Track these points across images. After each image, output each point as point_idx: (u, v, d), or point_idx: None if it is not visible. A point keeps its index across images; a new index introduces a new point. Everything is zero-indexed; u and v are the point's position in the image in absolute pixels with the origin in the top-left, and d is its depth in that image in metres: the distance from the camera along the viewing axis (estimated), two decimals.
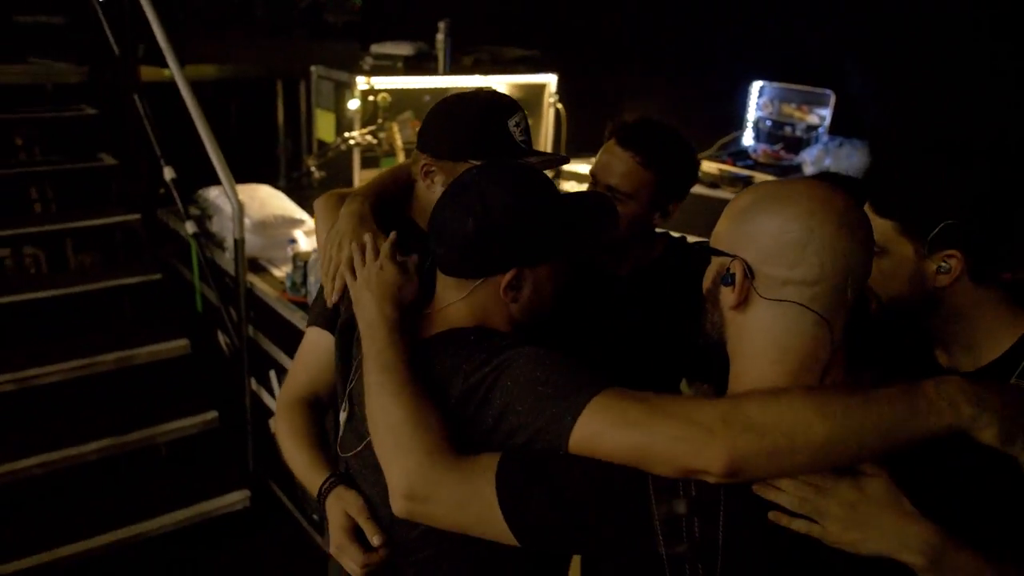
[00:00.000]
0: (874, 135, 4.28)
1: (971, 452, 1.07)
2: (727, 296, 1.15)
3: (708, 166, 4.49)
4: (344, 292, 1.56)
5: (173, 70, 3.39)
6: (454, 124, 1.59)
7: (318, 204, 1.80)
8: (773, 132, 4.71)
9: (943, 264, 1.38)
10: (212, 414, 3.55)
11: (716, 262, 1.18)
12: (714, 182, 4.47)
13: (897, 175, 1.49)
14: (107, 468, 3.33)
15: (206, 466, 3.54)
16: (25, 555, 2.95)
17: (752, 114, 4.77)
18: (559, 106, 4.75)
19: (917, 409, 1.04)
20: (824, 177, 1.97)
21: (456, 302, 1.36)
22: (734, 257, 1.14)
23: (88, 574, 3.08)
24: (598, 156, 1.89)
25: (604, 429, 1.11)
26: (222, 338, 3.62)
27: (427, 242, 1.41)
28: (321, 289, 1.76)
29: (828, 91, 4.44)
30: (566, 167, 4.87)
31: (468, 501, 1.16)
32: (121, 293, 3.75)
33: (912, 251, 1.41)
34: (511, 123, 1.56)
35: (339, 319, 1.62)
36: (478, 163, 1.49)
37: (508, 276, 1.32)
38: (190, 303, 3.78)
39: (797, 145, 4.58)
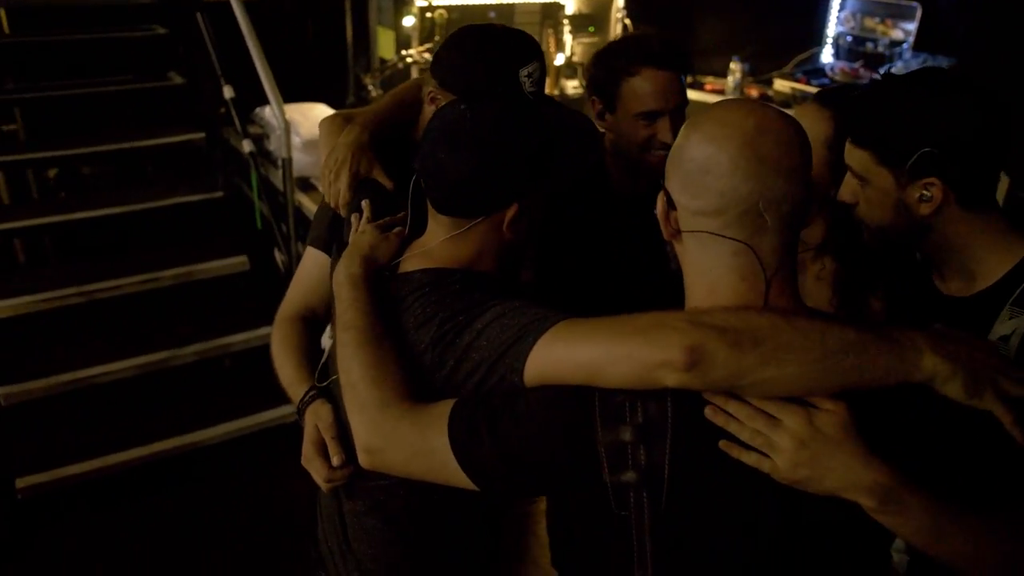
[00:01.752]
0: (963, 52, 3.97)
1: (934, 404, 1.03)
2: (662, 226, 1.13)
3: (781, 84, 4.29)
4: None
5: None
6: (466, 62, 1.54)
7: (322, 126, 1.79)
8: (854, 48, 4.44)
9: (924, 193, 1.36)
10: (268, 329, 3.63)
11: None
12: (786, 101, 4.26)
13: (871, 105, 1.43)
14: (172, 379, 3.49)
15: (264, 378, 3.65)
16: (94, 456, 3.15)
17: (832, 29, 4.48)
18: (627, 21, 4.58)
19: (881, 349, 1.01)
20: (834, 91, 1.80)
21: (450, 238, 1.34)
22: (663, 188, 1.12)
23: (151, 477, 3.27)
24: (637, 89, 1.83)
25: (566, 341, 1.09)
26: (279, 256, 3.71)
27: None
28: (320, 208, 1.78)
29: (915, 3, 4.12)
30: None
31: (424, 450, 1.15)
32: (185, 210, 3.86)
33: (892, 180, 1.38)
34: (523, 73, 1.51)
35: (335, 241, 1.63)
36: None
37: (511, 212, 1.31)
38: (250, 221, 3.87)
39: (879, 62, 4.32)
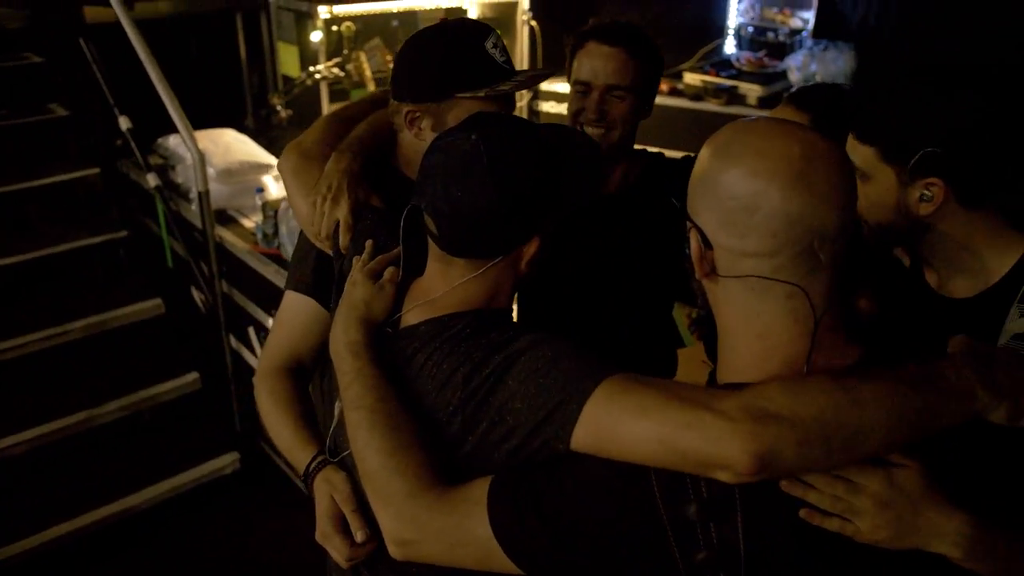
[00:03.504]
0: (860, 38, 4.08)
1: (984, 431, 0.99)
2: (696, 265, 1.03)
3: (690, 77, 4.29)
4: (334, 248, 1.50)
5: (116, 9, 3.12)
6: (428, 61, 1.47)
7: (283, 164, 1.68)
8: (756, 38, 4.53)
9: (925, 192, 1.34)
10: (193, 376, 3.40)
11: (687, 226, 1.05)
12: (697, 94, 4.28)
13: (878, 101, 1.41)
14: (90, 440, 3.19)
15: (192, 430, 3.41)
16: (10, 541, 2.83)
17: (733, 20, 4.54)
18: (533, 23, 4.51)
19: (941, 397, 0.96)
20: (801, 94, 1.87)
21: (464, 283, 1.22)
22: (693, 225, 1.02)
23: (80, 553, 2.97)
24: (579, 62, 1.83)
25: (614, 416, 0.99)
26: (197, 295, 3.45)
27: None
28: (298, 249, 1.67)
29: None
30: (544, 86, 4.68)
31: (465, 541, 1.05)
32: (87, 253, 3.56)
33: (895, 178, 1.36)
34: (488, 45, 1.45)
35: (333, 283, 1.51)
36: (466, 95, 1.42)
37: (533, 246, 1.21)
38: (160, 260, 3.59)
39: (781, 51, 4.41)
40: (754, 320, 1.01)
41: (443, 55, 1.45)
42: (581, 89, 1.81)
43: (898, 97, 1.39)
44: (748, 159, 0.96)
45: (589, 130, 1.79)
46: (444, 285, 1.23)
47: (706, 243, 1.00)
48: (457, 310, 1.22)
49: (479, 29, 1.48)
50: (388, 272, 1.31)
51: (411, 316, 1.26)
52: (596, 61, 1.79)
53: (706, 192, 1.00)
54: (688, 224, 1.03)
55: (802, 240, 0.95)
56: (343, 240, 1.48)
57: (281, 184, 3.34)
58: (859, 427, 0.92)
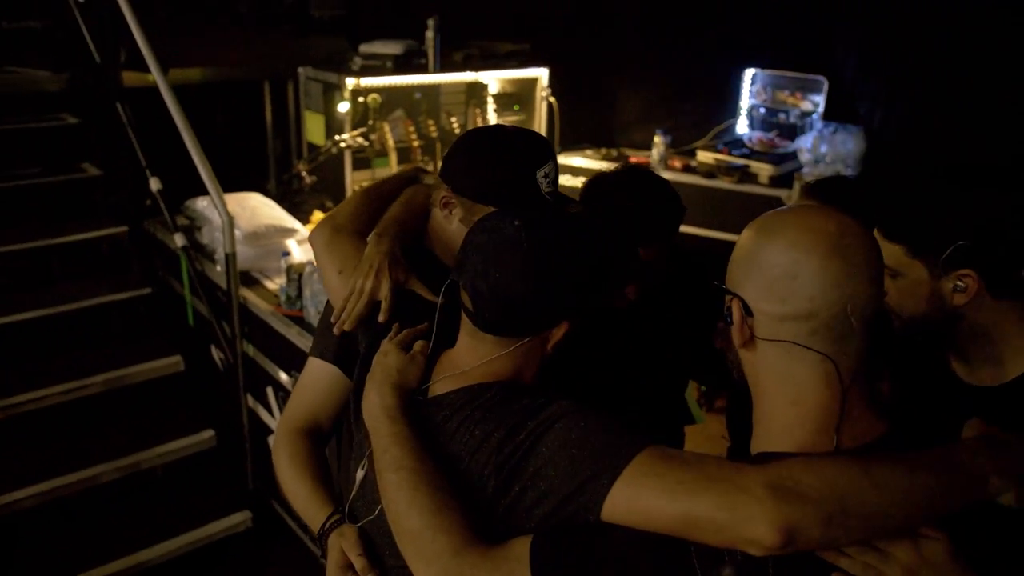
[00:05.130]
0: (868, 120, 4.22)
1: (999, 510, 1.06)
2: (734, 335, 1.11)
3: (704, 156, 4.41)
4: (359, 323, 1.54)
5: (155, 76, 3.25)
6: (481, 165, 1.51)
7: (315, 237, 1.72)
8: (767, 119, 4.63)
9: (959, 283, 1.41)
10: (209, 433, 3.43)
11: (728, 299, 1.14)
12: (710, 172, 4.38)
13: (903, 200, 1.50)
14: (103, 494, 3.21)
15: (205, 487, 3.43)
16: None
17: (745, 101, 4.68)
18: (551, 99, 4.65)
19: (957, 482, 1.02)
20: (821, 185, 1.97)
21: (493, 359, 1.29)
22: (733, 296, 1.11)
23: None
24: None
25: (643, 495, 1.04)
26: (216, 354, 3.50)
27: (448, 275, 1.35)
28: (324, 318, 1.72)
29: (821, 77, 4.36)
30: (561, 160, 4.80)
31: None
32: (110, 309, 3.62)
33: (926, 272, 1.43)
34: (540, 174, 1.49)
35: (358, 355, 1.55)
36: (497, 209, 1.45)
37: (561, 331, 1.28)
38: (181, 318, 3.66)
39: (792, 132, 4.52)
40: (789, 386, 1.08)
41: (495, 167, 1.50)
42: None
43: (923, 195, 1.48)
44: (789, 233, 1.07)
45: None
46: (474, 359, 1.30)
47: (747, 311, 1.09)
48: (486, 381, 1.28)
49: (537, 155, 1.50)
50: (418, 344, 1.38)
51: (440, 386, 1.32)
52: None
53: (750, 264, 1.10)
54: (728, 297, 1.11)
55: (837, 304, 1.04)
56: (382, 317, 1.51)
57: (305, 248, 3.45)
58: (878, 508, 0.97)
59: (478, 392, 1.26)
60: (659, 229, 1.72)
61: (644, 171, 1.84)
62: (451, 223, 1.54)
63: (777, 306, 1.06)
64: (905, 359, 1.62)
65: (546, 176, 1.50)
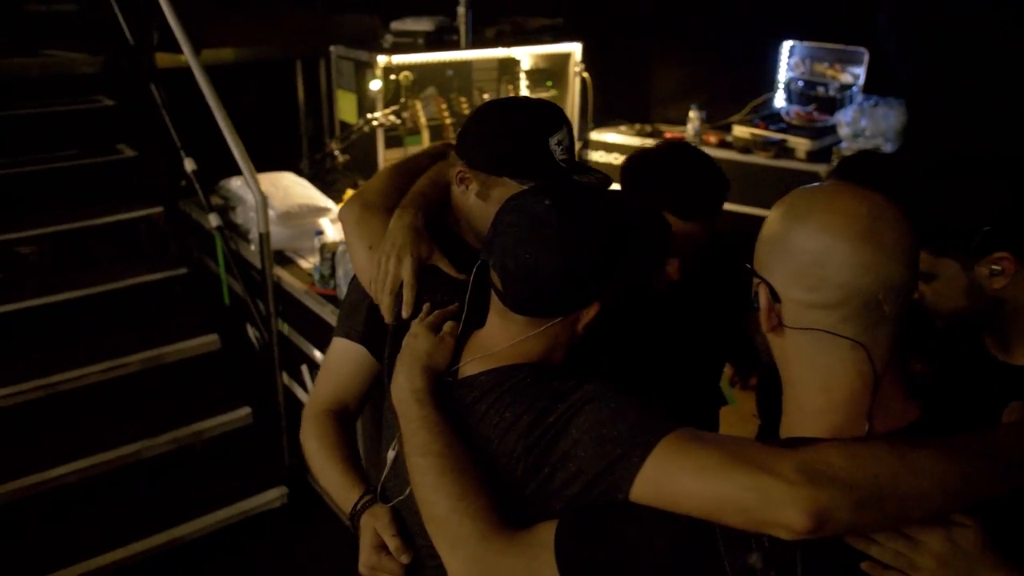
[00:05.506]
0: (910, 93, 4.12)
1: None
2: (762, 320, 1.09)
3: (740, 131, 4.34)
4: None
5: (188, 57, 3.26)
6: (493, 136, 1.51)
7: (345, 214, 1.71)
8: (805, 92, 4.54)
9: (995, 267, 1.39)
10: (246, 410, 3.47)
11: (755, 282, 1.10)
12: (746, 147, 4.32)
13: (913, 207, 1.45)
14: (142, 471, 3.27)
15: (242, 464, 3.47)
16: (62, 566, 2.89)
17: (783, 75, 4.60)
18: (585, 75, 4.61)
19: (993, 469, 1.00)
20: (852, 162, 1.92)
21: (523, 340, 1.28)
22: (761, 280, 1.07)
23: None
24: None
25: (674, 473, 1.03)
26: (252, 332, 3.54)
27: (474, 255, 1.35)
28: (351, 297, 1.71)
29: (861, 49, 4.27)
30: (593, 136, 4.76)
31: None
32: (147, 289, 3.66)
33: (957, 267, 1.42)
34: (552, 141, 1.47)
35: (384, 334, 1.54)
36: (514, 180, 1.45)
37: (592, 311, 1.27)
38: (217, 297, 3.69)
39: (831, 105, 4.43)
40: (819, 373, 1.05)
41: (506, 137, 1.49)
42: None
43: (931, 195, 1.45)
44: (818, 216, 1.03)
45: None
46: (504, 340, 1.29)
47: (775, 296, 1.06)
48: (515, 362, 1.27)
49: (549, 122, 1.49)
50: (448, 326, 1.37)
51: (470, 367, 1.31)
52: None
53: (777, 248, 1.06)
54: (756, 280, 1.08)
55: (869, 291, 1.00)
56: (406, 296, 1.49)
57: (338, 227, 3.45)
58: (912, 494, 0.95)
59: (508, 374, 1.25)
60: (701, 205, 1.68)
61: (685, 145, 1.80)
62: (468, 198, 1.52)
63: (806, 294, 1.03)
64: (940, 341, 1.59)
65: (559, 143, 1.48)
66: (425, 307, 1.44)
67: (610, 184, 1.63)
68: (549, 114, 1.51)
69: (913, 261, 1.04)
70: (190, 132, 3.61)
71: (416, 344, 1.34)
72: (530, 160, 1.46)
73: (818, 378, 1.06)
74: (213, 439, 3.43)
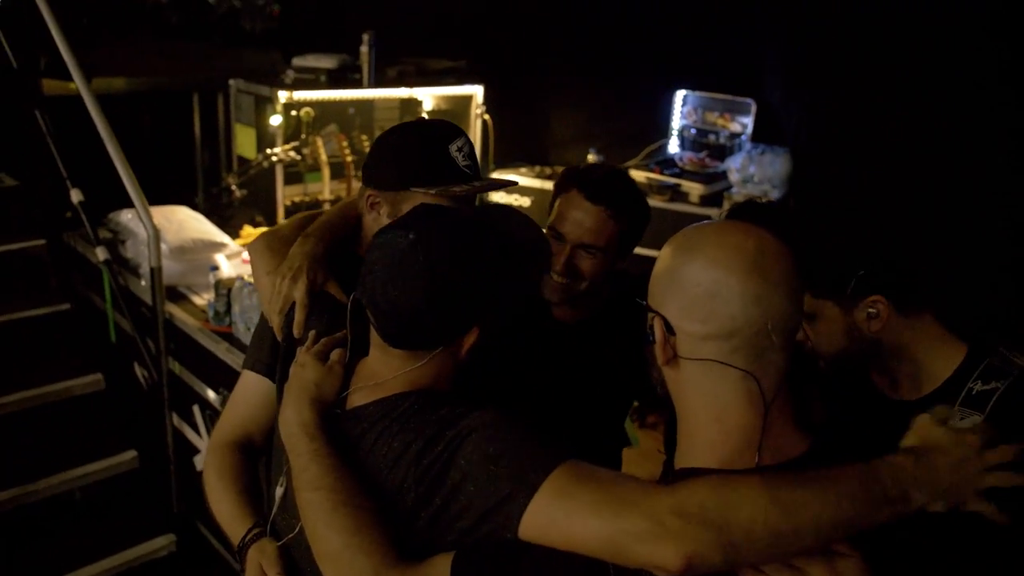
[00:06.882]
0: (794, 142, 4.34)
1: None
2: (657, 353, 1.10)
3: (636, 174, 4.45)
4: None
5: (78, 84, 3.15)
6: (395, 153, 1.54)
7: (253, 247, 1.72)
8: (697, 140, 4.72)
9: (871, 310, 1.48)
10: (131, 454, 3.31)
11: (650, 317, 1.13)
12: (643, 190, 4.41)
13: (797, 249, 1.54)
14: (18, 518, 3.06)
15: (127, 510, 3.30)
16: None
17: (677, 122, 4.76)
18: (486, 116, 4.66)
19: (873, 502, 1.01)
20: (743, 208, 1.97)
21: (405, 372, 1.26)
22: (656, 314, 1.10)
23: None
24: (559, 208, 1.80)
25: (558, 516, 1.05)
26: (139, 371, 3.39)
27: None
28: (258, 330, 1.70)
29: (749, 100, 4.47)
30: (496, 176, 4.80)
31: None
32: (26, 325, 3.47)
33: (837, 309, 1.50)
34: (452, 148, 1.50)
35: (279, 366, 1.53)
36: (419, 190, 1.46)
37: (472, 337, 1.26)
38: (103, 335, 3.53)
39: (722, 152, 4.61)
40: (711, 403, 1.08)
41: (406, 149, 1.52)
42: (554, 235, 1.78)
43: (808, 240, 1.49)
44: (709, 251, 1.06)
45: (555, 278, 1.77)
46: (387, 371, 1.28)
47: (669, 329, 1.08)
48: (403, 391, 1.26)
49: (448, 131, 1.52)
50: (336, 354, 1.35)
51: (358, 397, 1.29)
52: (575, 214, 1.76)
53: (670, 282, 1.09)
54: (651, 315, 1.11)
55: (758, 322, 1.04)
56: (297, 317, 1.51)
57: (234, 263, 3.37)
58: (786, 532, 0.97)
59: (395, 403, 1.24)
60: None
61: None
62: (380, 222, 1.52)
63: (699, 326, 1.06)
64: (832, 380, 1.65)
65: (459, 150, 1.50)
66: (311, 335, 1.42)
67: (503, 187, 1.71)
68: (445, 125, 1.55)
69: (798, 295, 1.09)
70: (79, 162, 3.46)
71: (304, 374, 1.31)
72: (434, 167, 1.48)
73: (711, 408, 1.08)
74: (96, 484, 3.25)
